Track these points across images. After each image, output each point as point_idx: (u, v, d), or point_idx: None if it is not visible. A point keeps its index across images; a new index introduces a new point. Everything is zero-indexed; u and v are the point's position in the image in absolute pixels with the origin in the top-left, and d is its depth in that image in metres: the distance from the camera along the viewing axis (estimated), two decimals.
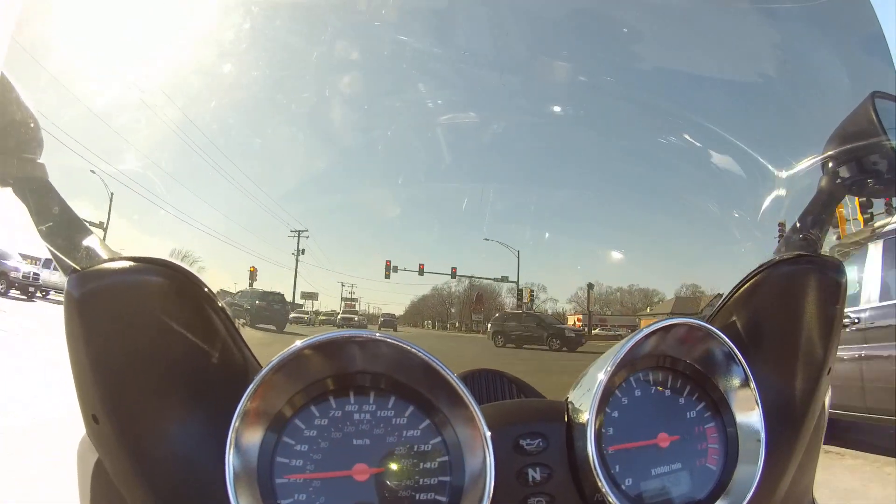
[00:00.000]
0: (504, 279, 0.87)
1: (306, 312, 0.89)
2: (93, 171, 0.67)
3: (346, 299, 0.88)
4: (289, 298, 0.86)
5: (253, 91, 0.78)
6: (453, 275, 0.86)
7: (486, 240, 0.81)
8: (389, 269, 0.83)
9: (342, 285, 0.86)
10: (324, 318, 0.90)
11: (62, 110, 0.62)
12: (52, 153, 0.58)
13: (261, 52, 0.77)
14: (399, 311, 0.93)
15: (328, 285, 0.86)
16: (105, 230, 0.69)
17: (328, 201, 0.85)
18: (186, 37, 0.73)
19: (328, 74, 0.79)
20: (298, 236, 0.80)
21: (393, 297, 0.88)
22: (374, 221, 0.86)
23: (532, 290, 0.90)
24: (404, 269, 0.83)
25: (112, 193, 0.69)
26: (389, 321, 0.93)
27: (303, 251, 0.81)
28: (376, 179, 0.85)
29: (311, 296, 0.87)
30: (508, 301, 0.93)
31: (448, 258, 0.85)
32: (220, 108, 0.76)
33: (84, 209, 0.58)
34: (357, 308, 0.89)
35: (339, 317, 0.90)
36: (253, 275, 0.81)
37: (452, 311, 1.00)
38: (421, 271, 0.83)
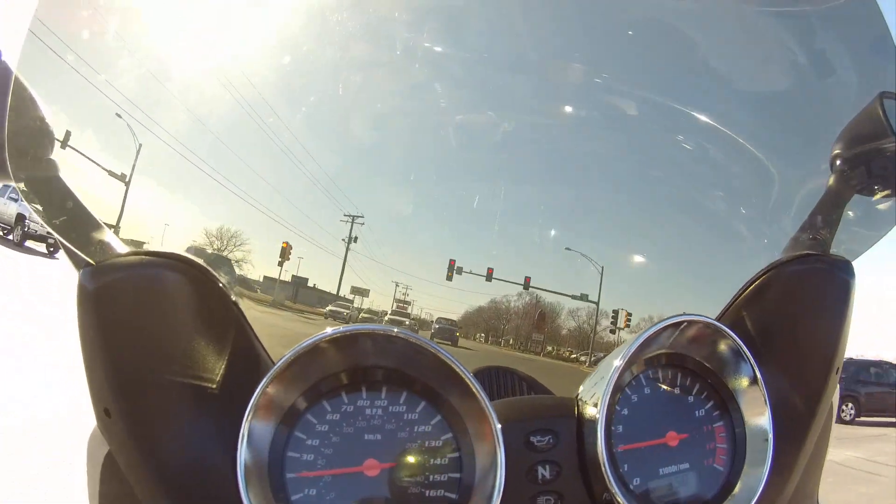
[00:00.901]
0: (583, 297, 0.79)
1: (346, 307, 0.80)
2: (118, 115, 0.64)
3: (399, 300, 0.81)
4: (332, 289, 0.78)
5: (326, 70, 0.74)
6: (526, 285, 0.78)
7: (568, 249, 0.75)
8: (453, 269, 0.75)
9: (396, 284, 0.78)
10: (366, 315, 0.82)
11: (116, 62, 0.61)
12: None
13: (334, 39, 0.74)
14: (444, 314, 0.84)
15: (380, 282, 0.78)
16: (127, 184, 0.66)
17: (390, 188, 0.78)
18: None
19: (411, 63, 0.76)
20: (352, 222, 0.72)
21: (447, 305, 0.81)
22: (439, 216, 0.79)
23: (629, 315, 0.81)
24: (470, 272, 0.75)
25: (140, 145, 0.66)
26: (447, 329, 0.83)
27: (355, 239, 0.73)
28: (447, 172, 0.79)
29: (361, 292, 0.80)
30: (569, 323, 0.84)
31: (518, 266, 0.78)
32: (284, 74, 0.72)
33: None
34: (409, 311, 0.82)
35: (387, 318, 0.82)
36: (286, 252, 0.73)
37: (508, 326, 0.91)
38: (489, 276, 0.75)
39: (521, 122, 0.82)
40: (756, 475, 0.58)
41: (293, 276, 0.76)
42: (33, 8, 0.56)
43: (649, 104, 0.83)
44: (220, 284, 0.58)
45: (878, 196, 0.73)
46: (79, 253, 0.53)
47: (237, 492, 0.46)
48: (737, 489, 0.59)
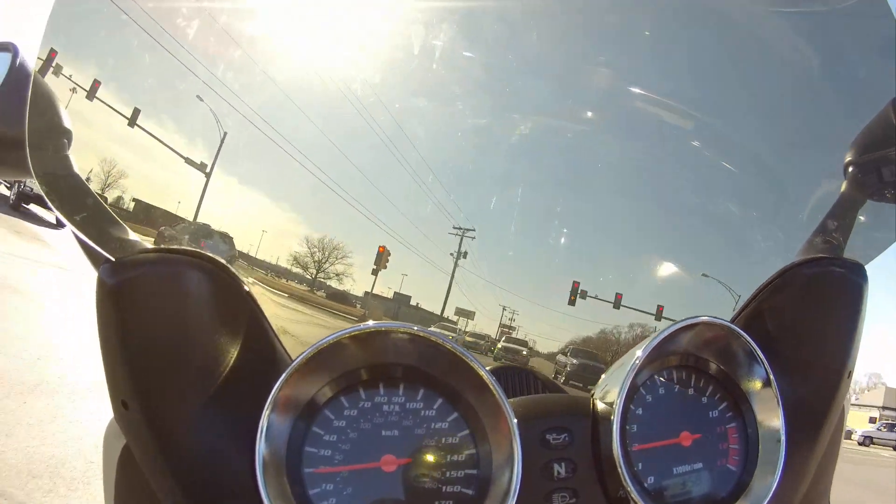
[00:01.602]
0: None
1: (453, 329, 0.72)
2: (199, 98, 0.63)
3: (504, 326, 0.73)
4: (437, 310, 0.69)
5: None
6: (658, 315, 0.72)
7: (705, 275, 0.71)
8: (577, 293, 0.67)
9: (503, 309, 0.71)
10: (470, 340, 0.73)
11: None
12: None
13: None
14: (553, 347, 0.77)
15: (487, 304, 0.70)
16: (208, 175, 0.64)
17: (505, 200, 0.70)
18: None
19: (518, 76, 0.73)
20: (462, 235, 0.63)
21: (553, 332, 0.73)
22: (558, 232, 0.72)
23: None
24: (595, 298, 0.68)
25: (225, 133, 0.64)
26: (589, 365, 0.73)
27: (464, 254, 0.64)
28: (572, 184, 0.71)
29: (466, 314, 0.72)
30: None
31: (646, 294, 0.72)
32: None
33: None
34: (519, 336, 0.74)
35: (498, 346, 0.74)
36: (382, 258, 0.66)
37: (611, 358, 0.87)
38: (617, 303, 0.68)
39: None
40: (769, 476, 0.59)
41: (395, 293, 0.70)
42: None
43: (665, 109, 0.82)
44: (240, 281, 0.59)
45: (891, 201, 0.74)
46: (98, 249, 0.53)
47: (254, 486, 0.47)
48: (750, 489, 0.60)
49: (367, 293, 0.72)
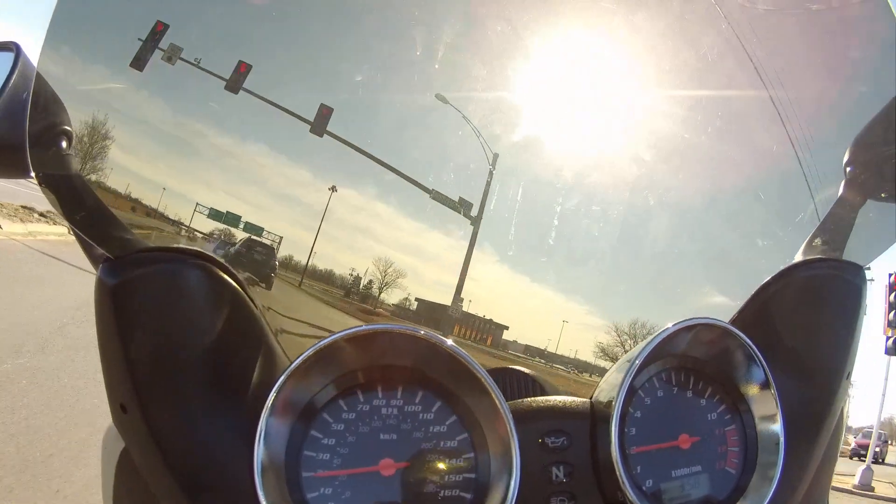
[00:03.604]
0: None
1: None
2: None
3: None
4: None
5: None
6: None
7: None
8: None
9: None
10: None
11: None
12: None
13: None
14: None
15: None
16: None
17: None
18: None
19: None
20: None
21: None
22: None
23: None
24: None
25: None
26: None
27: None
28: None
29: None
30: None
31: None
32: None
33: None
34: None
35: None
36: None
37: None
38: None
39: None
40: (767, 478, 0.59)
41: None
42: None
43: (664, 108, 0.83)
44: (239, 281, 0.58)
45: (891, 202, 0.74)
46: (97, 247, 0.53)
47: (253, 489, 0.46)
48: (748, 492, 0.60)
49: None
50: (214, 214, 0.70)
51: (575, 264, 0.82)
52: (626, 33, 0.79)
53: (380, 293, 0.78)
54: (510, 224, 0.77)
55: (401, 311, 0.79)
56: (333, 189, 0.72)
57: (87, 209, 0.56)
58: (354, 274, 0.79)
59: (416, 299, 0.79)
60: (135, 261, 0.53)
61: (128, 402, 0.52)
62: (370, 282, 0.78)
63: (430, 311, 0.80)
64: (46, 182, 0.55)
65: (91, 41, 0.62)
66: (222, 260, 0.57)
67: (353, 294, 0.80)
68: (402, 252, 0.76)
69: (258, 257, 0.73)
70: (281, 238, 0.73)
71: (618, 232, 0.81)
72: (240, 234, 0.72)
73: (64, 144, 0.57)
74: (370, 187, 0.76)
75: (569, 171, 0.80)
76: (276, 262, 0.75)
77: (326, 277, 0.78)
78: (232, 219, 0.71)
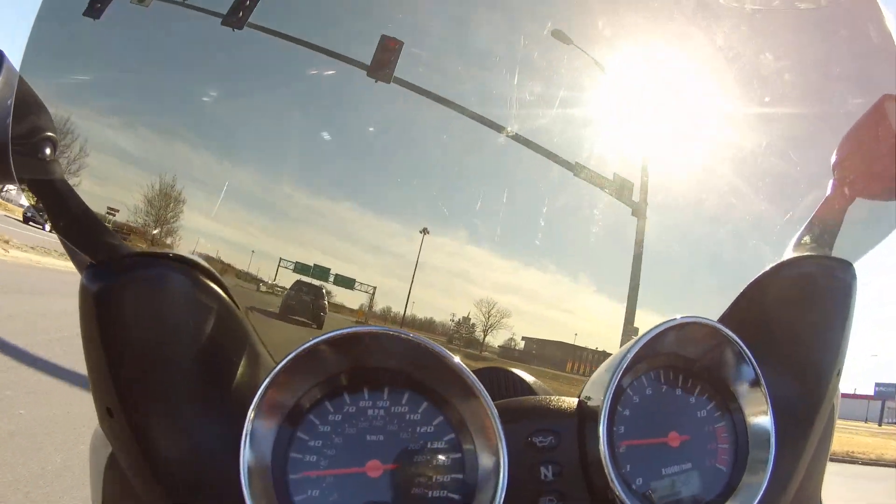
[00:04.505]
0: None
1: None
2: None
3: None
4: None
5: None
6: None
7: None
8: None
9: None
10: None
11: None
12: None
13: None
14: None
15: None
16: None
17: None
18: None
19: None
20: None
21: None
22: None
23: None
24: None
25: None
26: None
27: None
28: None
29: None
30: None
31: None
32: None
33: None
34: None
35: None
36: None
37: None
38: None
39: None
40: (758, 476, 0.59)
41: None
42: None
43: (654, 105, 0.83)
44: (223, 285, 0.58)
45: (879, 199, 0.75)
46: (80, 254, 0.53)
47: (240, 492, 0.46)
48: (739, 490, 0.60)
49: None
50: (301, 268, 0.71)
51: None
52: (611, 32, 0.80)
53: (485, 336, 0.78)
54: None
55: (508, 352, 0.80)
56: (425, 231, 0.73)
57: (71, 215, 0.56)
58: (456, 319, 0.80)
59: (523, 338, 0.79)
60: (118, 266, 0.53)
61: (113, 406, 0.51)
62: (472, 325, 0.78)
63: (541, 349, 0.80)
64: (31, 188, 0.55)
65: (76, 46, 0.62)
66: (205, 264, 0.57)
67: (455, 340, 0.80)
68: (499, 292, 0.76)
69: (307, 298, 0.74)
70: (374, 288, 0.74)
71: (604, 232, 0.81)
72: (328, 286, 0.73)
73: (48, 150, 0.57)
74: (461, 231, 0.76)
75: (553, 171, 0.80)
76: (326, 303, 0.76)
77: (427, 325, 0.78)
78: (320, 272, 0.72)
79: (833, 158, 0.74)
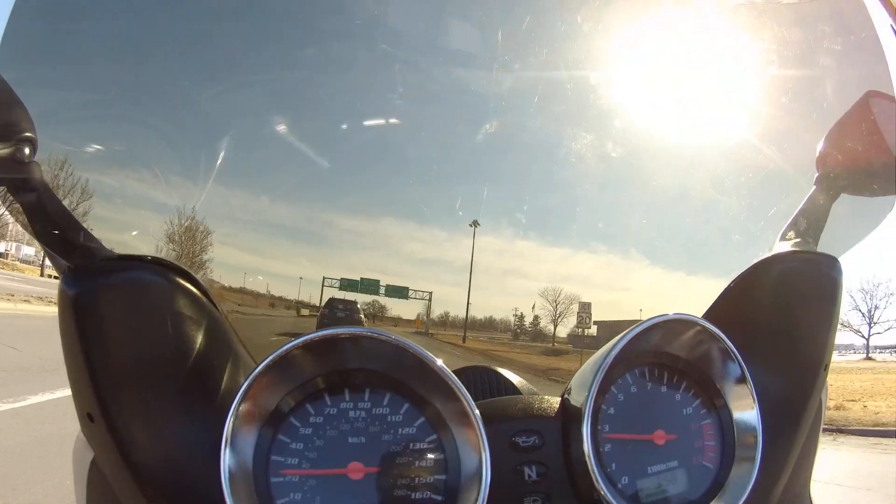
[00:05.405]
0: None
1: None
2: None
3: None
4: None
5: None
6: None
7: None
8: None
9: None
10: None
11: None
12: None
13: None
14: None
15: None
16: None
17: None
18: None
19: None
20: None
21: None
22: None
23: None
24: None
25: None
26: None
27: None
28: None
29: None
30: None
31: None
32: None
33: None
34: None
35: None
36: None
37: None
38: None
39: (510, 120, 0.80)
40: (745, 473, 0.59)
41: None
42: None
43: (640, 101, 0.83)
44: (203, 288, 0.58)
45: (863, 195, 0.75)
46: (59, 258, 0.53)
47: (221, 496, 0.46)
48: (727, 487, 0.60)
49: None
50: (347, 284, 0.70)
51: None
52: (589, 28, 0.79)
53: (555, 326, 0.77)
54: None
55: (578, 339, 0.79)
56: (475, 224, 0.72)
57: (49, 219, 0.55)
58: (518, 313, 0.79)
59: (595, 322, 0.78)
60: (95, 271, 0.52)
61: (94, 412, 0.51)
62: (535, 317, 0.77)
63: (615, 331, 0.81)
64: (9, 189, 0.54)
65: (52, 46, 0.60)
66: (184, 267, 0.57)
67: (520, 335, 0.79)
68: (556, 282, 0.75)
69: (341, 314, 0.74)
70: (430, 293, 0.73)
71: (588, 228, 0.80)
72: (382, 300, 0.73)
73: (27, 151, 0.55)
74: (506, 228, 0.75)
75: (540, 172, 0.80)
76: (362, 316, 0.75)
77: (488, 325, 0.77)
78: (369, 284, 0.71)
79: (818, 154, 0.74)
